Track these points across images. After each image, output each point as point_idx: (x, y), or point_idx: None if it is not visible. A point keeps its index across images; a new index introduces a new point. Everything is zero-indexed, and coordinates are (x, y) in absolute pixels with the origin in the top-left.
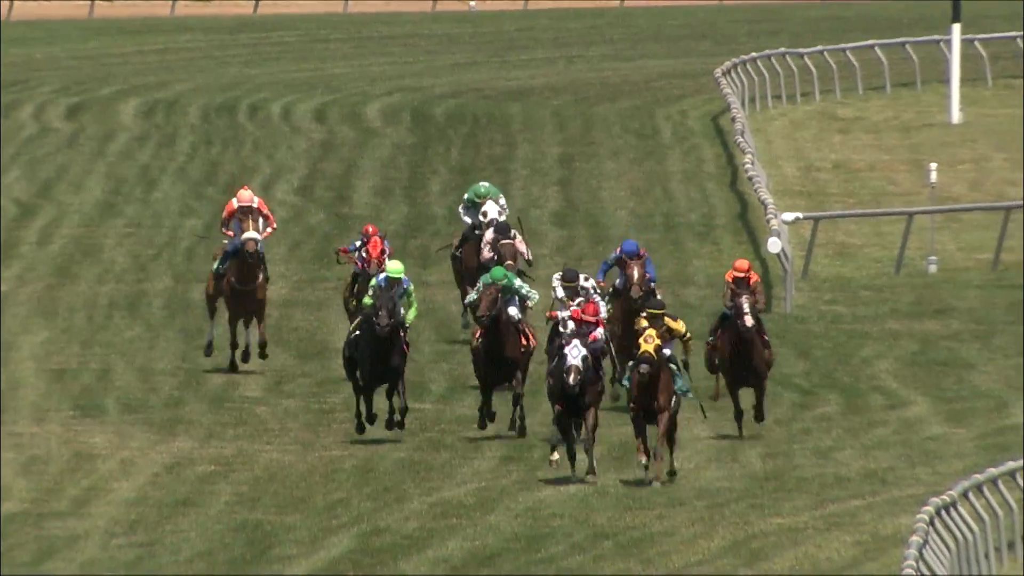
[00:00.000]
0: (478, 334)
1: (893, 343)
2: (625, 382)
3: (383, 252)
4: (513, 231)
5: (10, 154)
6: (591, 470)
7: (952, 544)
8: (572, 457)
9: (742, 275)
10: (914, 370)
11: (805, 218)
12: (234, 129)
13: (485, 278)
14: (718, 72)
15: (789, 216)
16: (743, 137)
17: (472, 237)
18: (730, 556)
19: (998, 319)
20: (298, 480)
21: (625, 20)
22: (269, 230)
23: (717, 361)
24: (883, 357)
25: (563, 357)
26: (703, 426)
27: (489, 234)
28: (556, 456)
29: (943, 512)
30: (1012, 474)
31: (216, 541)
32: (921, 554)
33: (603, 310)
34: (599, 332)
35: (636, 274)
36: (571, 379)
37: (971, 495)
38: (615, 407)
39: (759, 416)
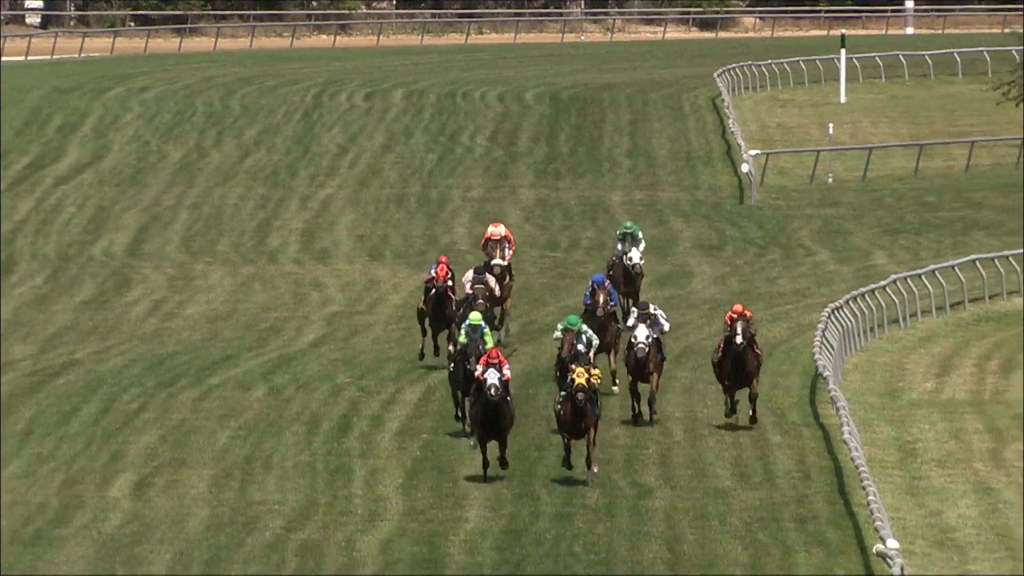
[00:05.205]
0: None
1: (808, 221)
2: (558, 406)
3: (447, 274)
4: (487, 274)
5: (334, 119)
6: (501, 462)
7: (840, 328)
8: (486, 466)
9: (738, 315)
10: (820, 235)
11: (761, 153)
12: (454, 105)
13: (562, 323)
14: (715, 74)
15: (753, 152)
16: (728, 109)
17: (620, 261)
18: (719, 335)
19: (865, 207)
20: None
21: (665, 47)
22: (510, 252)
23: (718, 372)
24: (803, 228)
25: (484, 380)
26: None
27: (469, 274)
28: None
29: (836, 311)
30: (872, 291)
31: None
32: (824, 334)
33: (666, 326)
34: (507, 371)
35: (600, 300)
36: (492, 392)
37: (851, 303)
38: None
39: (753, 415)
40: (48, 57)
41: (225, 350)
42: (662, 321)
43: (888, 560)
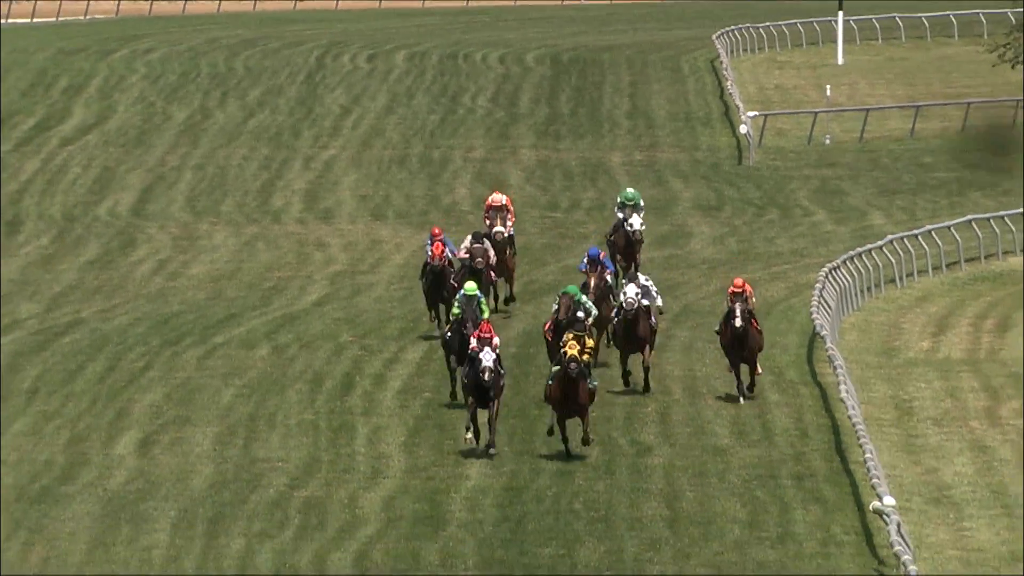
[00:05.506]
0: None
1: (806, 181)
2: (551, 381)
3: (443, 252)
4: (484, 240)
5: (337, 81)
6: (490, 443)
7: (837, 288)
8: (477, 435)
9: (739, 290)
10: (817, 195)
11: (760, 115)
12: (455, 66)
13: (564, 290)
14: (713, 36)
15: (751, 113)
16: (726, 71)
17: (621, 227)
18: (720, 295)
19: (862, 168)
20: None
21: (664, 9)
22: (511, 221)
23: (721, 346)
24: (800, 189)
25: (478, 360)
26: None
27: (468, 240)
28: (469, 435)
29: (833, 271)
30: (869, 251)
31: None
32: (821, 294)
33: (660, 301)
34: (496, 342)
35: (593, 283)
36: (486, 376)
37: (848, 262)
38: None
39: (751, 386)
40: (54, 19)
41: (229, 309)
42: (654, 294)
43: (884, 517)
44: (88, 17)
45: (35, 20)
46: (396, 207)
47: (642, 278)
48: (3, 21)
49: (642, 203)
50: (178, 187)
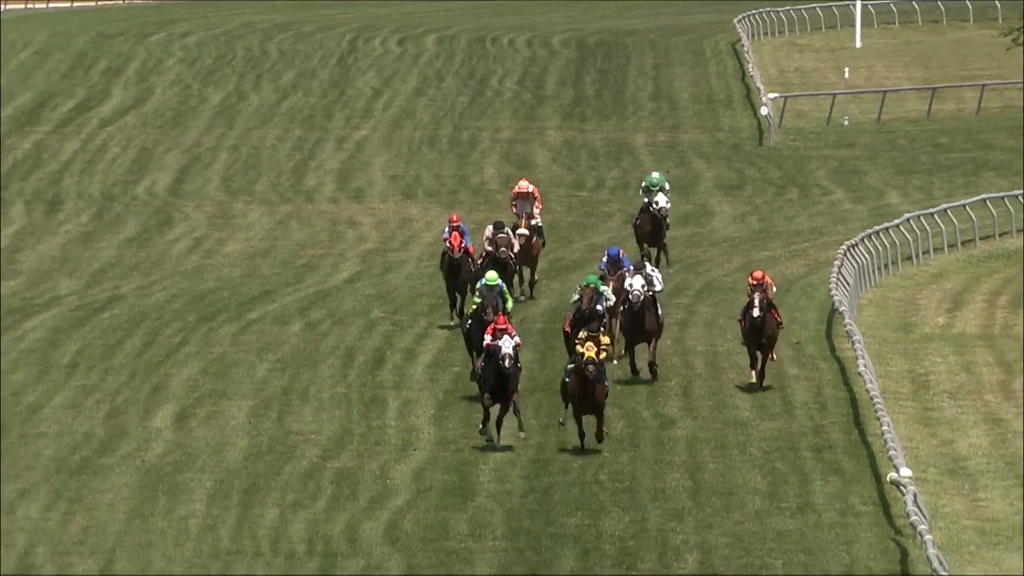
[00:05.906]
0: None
1: (824, 161)
2: (567, 378)
3: (461, 243)
4: (507, 228)
5: (368, 64)
6: (520, 427)
7: (855, 265)
8: (498, 426)
9: (756, 282)
10: (836, 175)
11: (780, 97)
12: (483, 50)
13: (582, 282)
14: (735, 20)
15: (772, 95)
16: (748, 54)
17: (647, 211)
18: (742, 272)
19: (880, 148)
20: None
21: None
22: (538, 208)
23: (741, 334)
24: (819, 168)
25: (497, 348)
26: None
27: (489, 229)
28: (486, 434)
29: (851, 248)
30: (887, 229)
31: None
32: (840, 271)
33: (658, 286)
34: (513, 337)
35: (612, 286)
36: (506, 363)
37: (866, 240)
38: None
39: (761, 373)
40: (93, 3)
41: (263, 286)
42: (656, 282)
43: (901, 488)
44: (127, 1)
45: (75, 4)
46: (426, 186)
47: (648, 268)
48: (46, 5)
49: (667, 186)
50: (214, 167)
